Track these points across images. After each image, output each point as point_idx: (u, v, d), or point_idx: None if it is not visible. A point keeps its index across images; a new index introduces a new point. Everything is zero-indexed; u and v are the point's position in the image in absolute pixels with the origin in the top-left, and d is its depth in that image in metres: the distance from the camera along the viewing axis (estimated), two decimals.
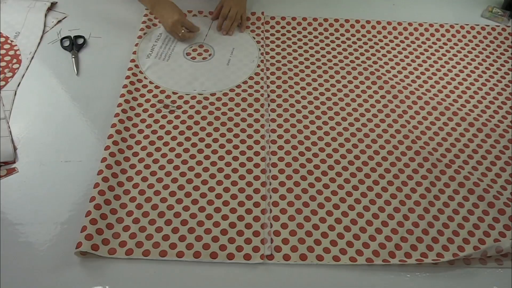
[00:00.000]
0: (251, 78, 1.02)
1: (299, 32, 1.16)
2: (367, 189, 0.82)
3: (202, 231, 0.74)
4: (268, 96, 0.99)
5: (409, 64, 1.09)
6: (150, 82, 0.99)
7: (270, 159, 0.86)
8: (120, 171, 0.81)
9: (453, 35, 1.18)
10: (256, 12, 1.18)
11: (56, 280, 0.68)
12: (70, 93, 0.96)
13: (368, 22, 1.19)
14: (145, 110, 0.93)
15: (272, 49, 1.10)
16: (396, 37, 1.16)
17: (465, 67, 1.10)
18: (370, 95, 1.00)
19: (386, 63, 1.09)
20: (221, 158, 0.85)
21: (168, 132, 0.89)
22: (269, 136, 0.90)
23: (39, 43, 1.06)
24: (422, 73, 1.07)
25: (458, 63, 1.11)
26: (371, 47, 1.13)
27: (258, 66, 1.05)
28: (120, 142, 0.85)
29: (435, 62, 1.11)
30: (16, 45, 1.05)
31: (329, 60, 1.08)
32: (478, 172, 0.87)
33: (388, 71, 1.07)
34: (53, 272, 0.68)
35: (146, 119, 0.91)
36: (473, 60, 1.12)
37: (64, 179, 0.80)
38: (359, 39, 1.15)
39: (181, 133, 0.89)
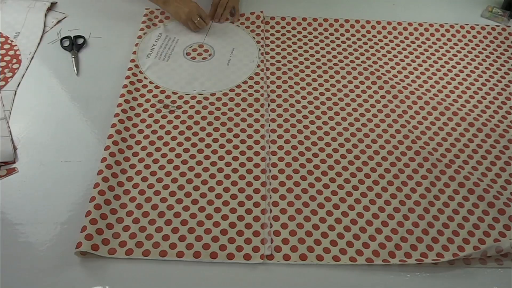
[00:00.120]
0: (251, 78, 1.02)
1: (299, 32, 1.16)
2: (367, 189, 0.82)
3: (202, 231, 0.74)
4: (268, 96, 0.99)
5: (409, 64, 1.09)
6: (150, 82, 0.99)
7: (270, 159, 0.86)
8: (120, 171, 0.81)
9: (453, 35, 1.18)
10: (256, 12, 1.18)
11: (56, 280, 0.68)
12: (70, 93, 0.96)
13: (368, 22, 1.19)
14: (145, 110, 0.93)
15: (272, 49, 1.10)
16: (396, 37, 1.16)
17: (465, 67, 1.10)
18: (370, 95, 1.00)
19: (386, 63, 1.09)
20: (221, 158, 0.85)
21: (168, 132, 0.89)
22: (269, 136, 0.90)
23: (39, 43, 1.06)
24: (422, 73, 1.07)
25: (458, 63, 1.11)
26: (371, 47, 1.13)
27: (258, 66, 1.05)
28: (120, 142, 0.85)
29: (435, 62, 1.11)
30: (16, 45, 1.05)
31: (329, 60, 1.08)
32: (478, 172, 0.87)
33: (388, 71, 1.07)
34: (53, 272, 0.68)
35: (146, 119, 0.91)
36: (473, 60, 1.12)
37: (64, 179, 0.80)
38: (359, 39, 1.15)
39: (181, 133, 0.89)
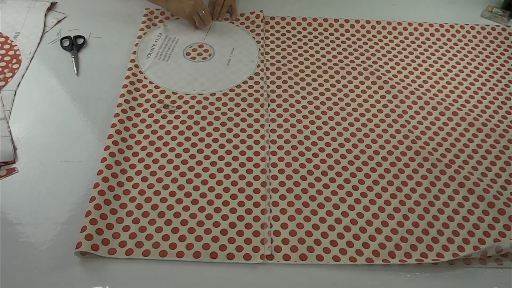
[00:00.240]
0: (251, 78, 1.02)
1: (299, 32, 1.16)
2: (367, 189, 0.82)
3: (202, 231, 0.74)
4: (268, 96, 0.99)
5: (409, 64, 1.09)
6: (150, 82, 0.99)
7: (270, 159, 0.86)
8: (120, 171, 0.81)
9: (453, 35, 1.18)
10: (256, 11, 1.18)
11: (56, 280, 0.68)
12: (70, 93, 0.96)
13: (368, 22, 1.19)
14: (145, 110, 0.93)
15: (272, 49, 1.10)
16: (396, 37, 1.16)
17: (465, 67, 1.10)
18: (370, 95, 1.00)
19: (386, 63, 1.09)
20: (221, 158, 0.85)
21: (168, 132, 0.89)
22: (269, 136, 0.90)
23: (39, 43, 1.06)
24: (422, 73, 1.07)
25: (458, 63, 1.11)
26: (371, 47, 1.13)
27: (258, 66, 1.05)
28: (120, 142, 0.85)
29: (435, 62, 1.11)
30: (16, 45, 1.05)
31: (329, 60, 1.08)
32: (478, 172, 0.87)
33: (388, 71, 1.07)
34: (53, 272, 0.68)
35: (146, 119, 0.91)
36: (473, 60, 1.12)
37: (64, 179, 0.80)
38: (359, 39, 1.15)
39: (181, 133, 0.89)
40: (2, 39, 1.06)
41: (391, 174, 0.85)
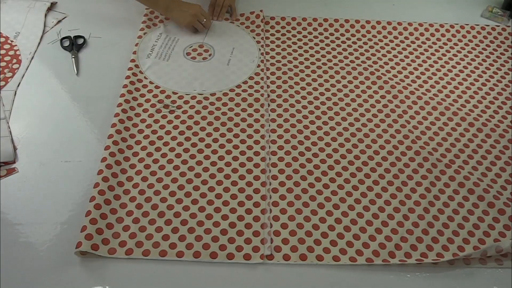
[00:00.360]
0: (251, 78, 1.02)
1: (299, 32, 1.16)
2: (367, 189, 0.82)
3: (202, 231, 0.74)
4: (268, 96, 0.99)
5: (409, 64, 1.09)
6: (150, 82, 0.99)
7: (270, 159, 0.86)
8: (120, 171, 0.81)
9: (453, 35, 1.18)
10: (256, 12, 1.18)
11: (56, 280, 0.68)
12: (70, 93, 0.96)
13: (368, 22, 1.19)
14: (145, 110, 0.93)
15: (272, 49, 1.10)
16: (396, 37, 1.16)
17: (465, 67, 1.10)
18: (370, 95, 1.00)
19: (386, 63, 1.09)
20: (221, 158, 0.85)
21: (168, 132, 0.89)
22: (269, 136, 0.90)
23: (39, 43, 1.06)
24: (422, 73, 1.07)
25: (458, 63, 1.11)
26: (371, 47, 1.13)
27: (258, 66, 1.05)
28: (120, 142, 0.85)
29: (435, 62, 1.11)
30: (16, 45, 1.05)
31: (329, 60, 1.08)
32: (478, 172, 0.87)
33: (388, 71, 1.07)
34: (53, 272, 0.68)
35: (146, 119, 0.91)
36: (473, 60, 1.12)
37: (64, 179, 0.80)
38: (359, 39, 1.15)
39: (181, 133, 0.89)
40: (2, 39, 1.06)
41: (391, 174, 0.85)
